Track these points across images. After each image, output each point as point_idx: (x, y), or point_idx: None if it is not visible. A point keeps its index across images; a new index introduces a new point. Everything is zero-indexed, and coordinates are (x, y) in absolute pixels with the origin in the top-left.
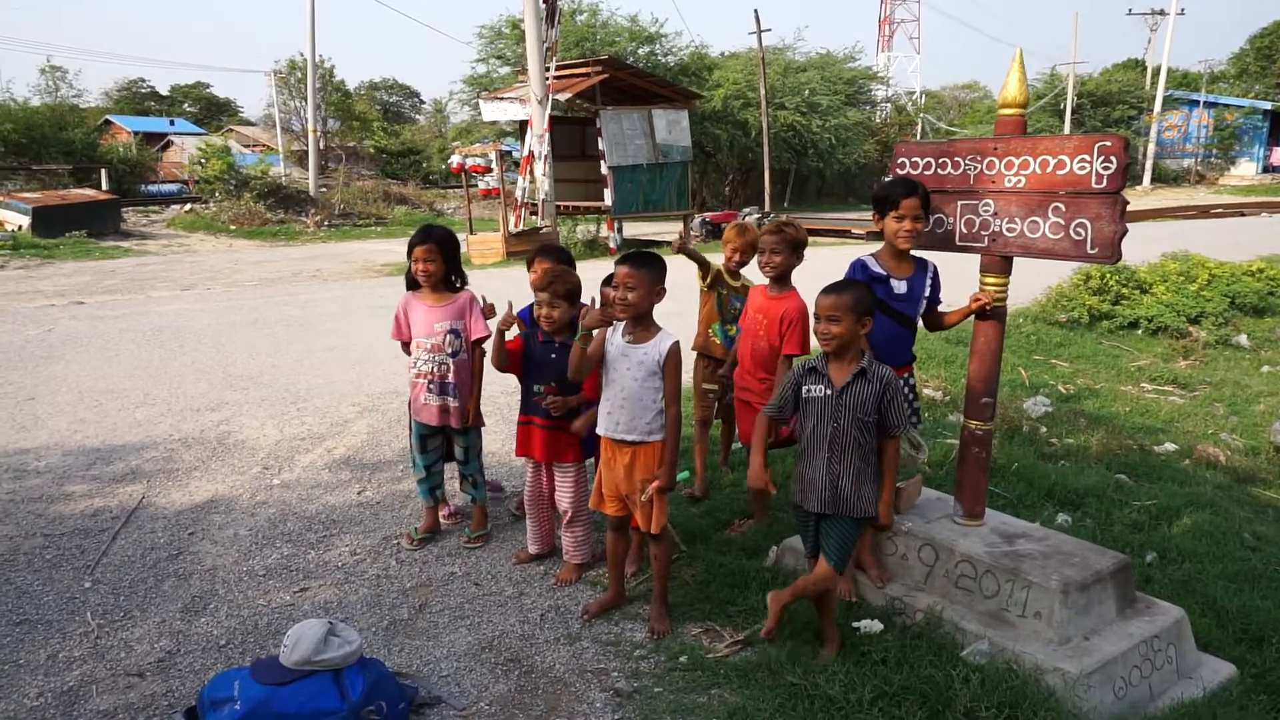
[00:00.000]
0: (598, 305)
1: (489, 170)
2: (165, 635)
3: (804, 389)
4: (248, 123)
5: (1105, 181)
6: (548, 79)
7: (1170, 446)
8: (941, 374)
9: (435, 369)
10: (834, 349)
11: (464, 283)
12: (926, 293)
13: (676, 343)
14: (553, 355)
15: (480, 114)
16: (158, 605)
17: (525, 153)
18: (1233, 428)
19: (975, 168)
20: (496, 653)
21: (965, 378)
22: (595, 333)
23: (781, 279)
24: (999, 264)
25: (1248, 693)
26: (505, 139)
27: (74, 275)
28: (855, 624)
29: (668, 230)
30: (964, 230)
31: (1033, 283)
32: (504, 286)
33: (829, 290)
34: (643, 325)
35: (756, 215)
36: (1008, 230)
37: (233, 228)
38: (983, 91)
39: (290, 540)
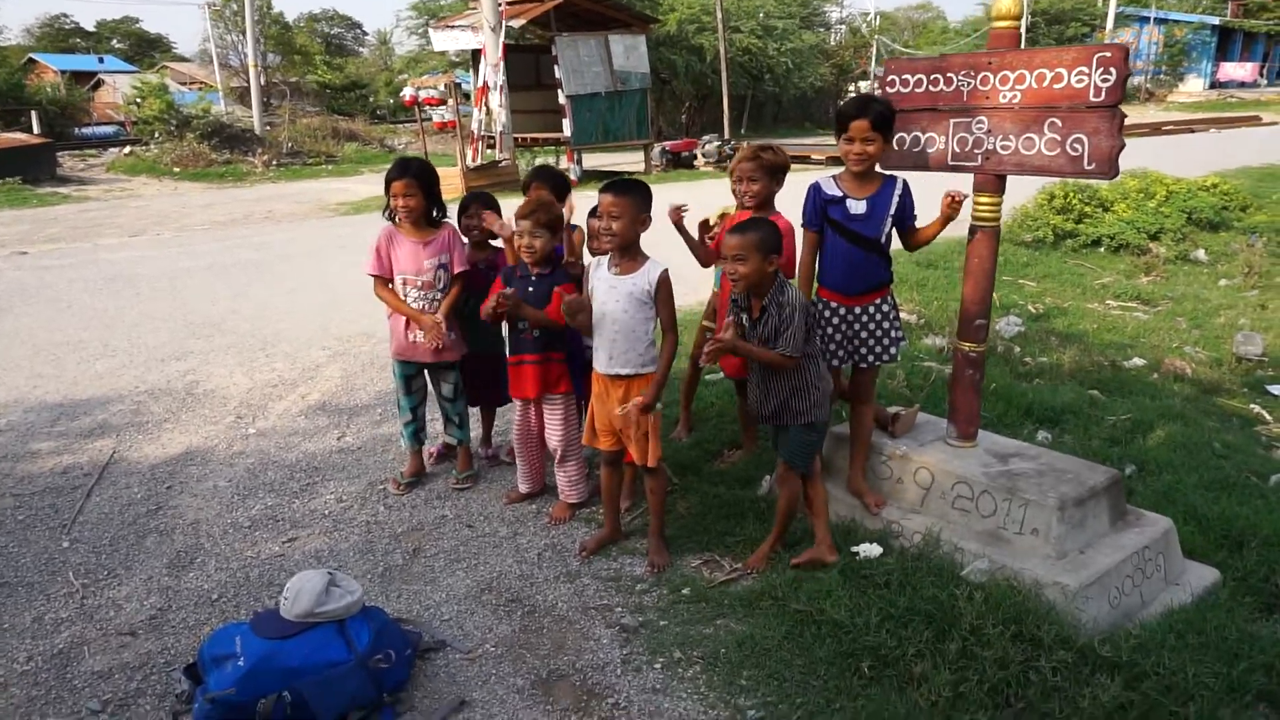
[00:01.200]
0: (585, 235)
1: (443, 102)
2: (154, 592)
3: (741, 316)
4: (183, 59)
5: (1104, 94)
6: (500, 5)
7: (1139, 361)
8: (915, 297)
9: (428, 305)
10: (742, 289)
11: (444, 215)
12: (892, 210)
13: (666, 270)
14: (530, 288)
15: (429, 44)
16: (142, 562)
17: (479, 83)
18: (1195, 340)
19: (969, 84)
20: (497, 594)
21: (960, 300)
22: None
23: (762, 208)
24: (993, 183)
25: (1232, 595)
26: (455, 70)
27: (12, 224)
28: (854, 548)
29: (628, 160)
30: (957, 149)
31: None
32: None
33: (734, 230)
34: (629, 255)
35: (716, 143)
36: (1002, 148)
37: (177, 170)
38: (935, 12)
39: (273, 490)
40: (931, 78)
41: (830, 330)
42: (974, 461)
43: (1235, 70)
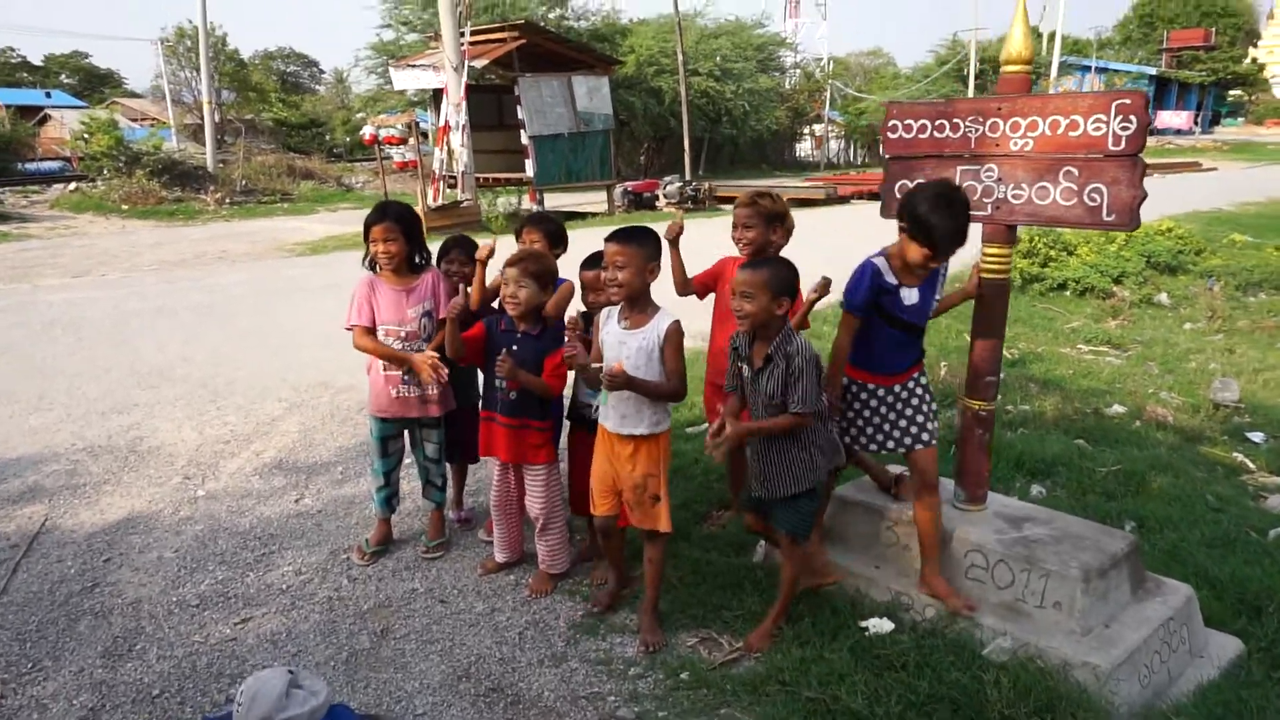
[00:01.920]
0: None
1: (404, 141)
2: (85, 688)
3: (740, 365)
4: (134, 95)
5: (1124, 143)
6: (463, 45)
7: (1119, 409)
8: None
9: None
10: (747, 328)
11: (427, 260)
12: (937, 297)
13: (676, 321)
14: (514, 346)
15: (388, 83)
16: (73, 651)
17: (441, 122)
18: (1170, 386)
19: (977, 130)
20: (475, 682)
21: (969, 356)
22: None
23: (759, 254)
24: (1003, 234)
25: (1259, 668)
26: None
27: None
28: (862, 623)
29: (590, 201)
30: None
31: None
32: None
33: (746, 265)
34: (639, 307)
35: (678, 184)
36: (1013, 197)
37: (125, 207)
38: (886, 58)
39: (224, 561)
40: (936, 123)
41: (867, 413)
42: (987, 528)
43: (1172, 118)
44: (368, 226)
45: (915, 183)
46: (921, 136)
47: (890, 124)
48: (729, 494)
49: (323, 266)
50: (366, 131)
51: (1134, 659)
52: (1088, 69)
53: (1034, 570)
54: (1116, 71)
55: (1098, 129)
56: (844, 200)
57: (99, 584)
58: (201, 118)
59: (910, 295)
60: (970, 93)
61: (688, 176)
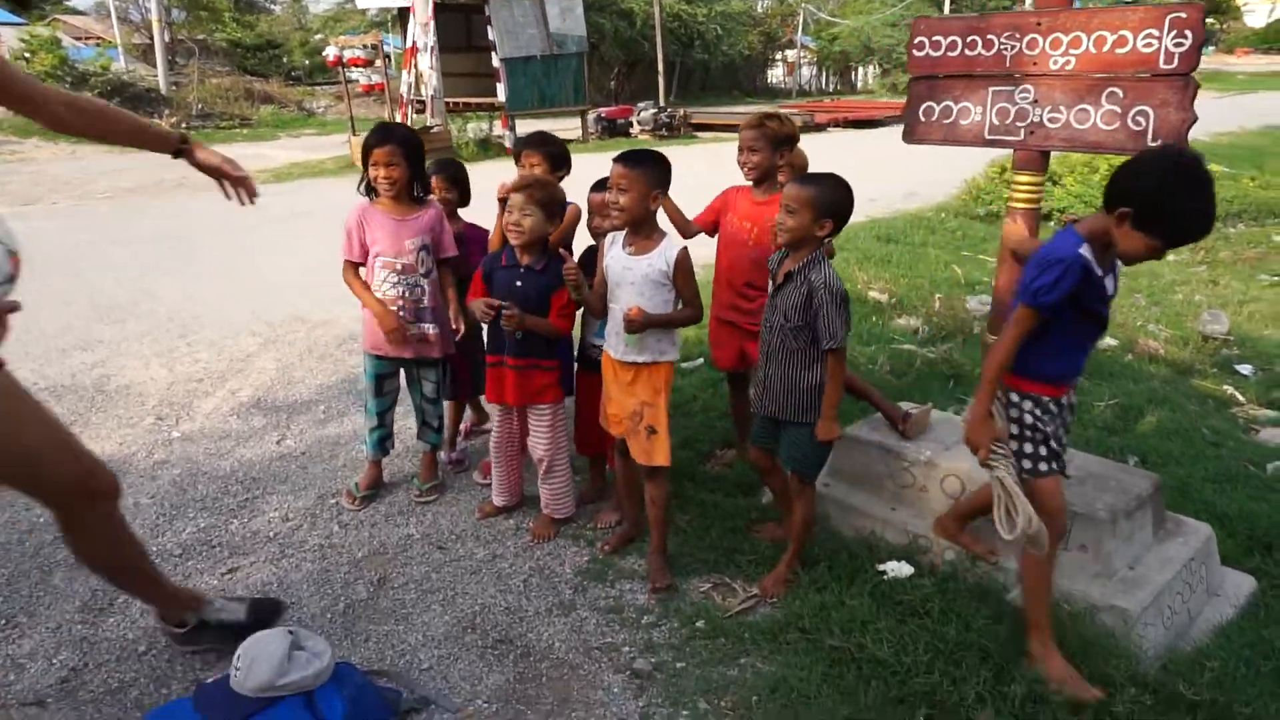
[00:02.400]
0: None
1: (370, 63)
2: (65, 645)
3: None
4: (77, 12)
5: (1176, 61)
6: None
7: (1111, 341)
8: (881, 275)
9: (408, 292)
10: (784, 242)
11: (427, 192)
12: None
13: (685, 248)
14: (518, 283)
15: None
16: (49, 606)
17: (408, 44)
18: (1157, 318)
19: (1012, 47)
20: (482, 633)
21: (993, 290)
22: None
23: (762, 182)
24: (1036, 160)
25: (1277, 605)
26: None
27: None
28: (880, 566)
29: (563, 127)
30: (995, 121)
31: (949, 178)
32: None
33: (799, 179)
34: (643, 233)
35: (653, 110)
36: (1049, 121)
37: None
38: None
39: (205, 507)
40: (968, 39)
41: (1058, 430)
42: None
43: None
44: (368, 149)
45: (943, 105)
46: (951, 54)
47: (917, 40)
48: (733, 433)
49: (289, 195)
50: (330, 53)
51: (1159, 601)
52: None
53: None
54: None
55: (1148, 45)
56: (821, 128)
57: None
58: (150, 37)
59: (1109, 283)
60: (946, 13)
61: (662, 103)
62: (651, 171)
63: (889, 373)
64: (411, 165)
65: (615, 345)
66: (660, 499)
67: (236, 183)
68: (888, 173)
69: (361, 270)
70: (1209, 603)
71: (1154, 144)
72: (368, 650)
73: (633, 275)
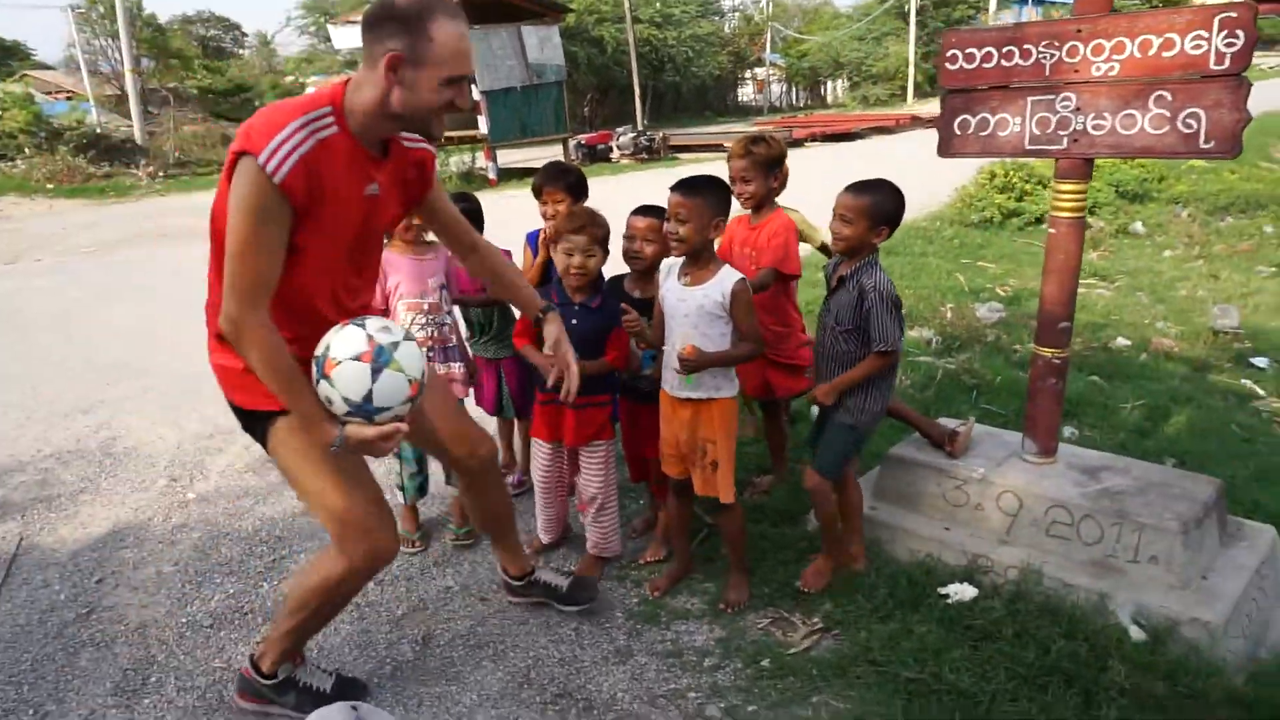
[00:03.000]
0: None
1: None
2: None
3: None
4: (45, 67)
5: (1228, 61)
6: None
7: (1124, 342)
8: None
9: (436, 331)
10: (841, 250)
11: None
12: None
13: (743, 278)
14: (574, 321)
15: (324, 42)
16: (79, 690)
17: None
18: (1165, 315)
19: (1051, 56)
20: (539, 688)
21: (1039, 301)
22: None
23: (760, 210)
24: (1080, 168)
25: None
26: (348, 69)
27: None
28: (942, 590)
29: (545, 156)
30: (1036, 131)
31: (939, 186)
32: None
33: (851, 188)
34: (700, 263)
35: (631, 134)
36: (1094, 128)
37: (50, 187)
38: None
39: (232, 572)
40: (1004, 50)
41: None
42: (1065, 481)
43: None
44: None
45: (979, 117)
46: (986, 66)
47: (950, 54)
48: (771, 459)
49: None
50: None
51: (1238, 610)
52: (1025, 2)
53: (1125, 524)
54: (1053, 4)
55: (1197, 47)
56: (799, 143)
57: (95, 609)
58: (121, 88)
59: None
60: (912, 31)
61: (639, 126)
62: (711, 199)
63: (910, 386)
64: None
65: (671, 381)
66: (733, 529)
67: (561, 368)
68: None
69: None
70: (1278, 607)
71: (1207, 145)
72: (422, 716)
73: (687, 307)
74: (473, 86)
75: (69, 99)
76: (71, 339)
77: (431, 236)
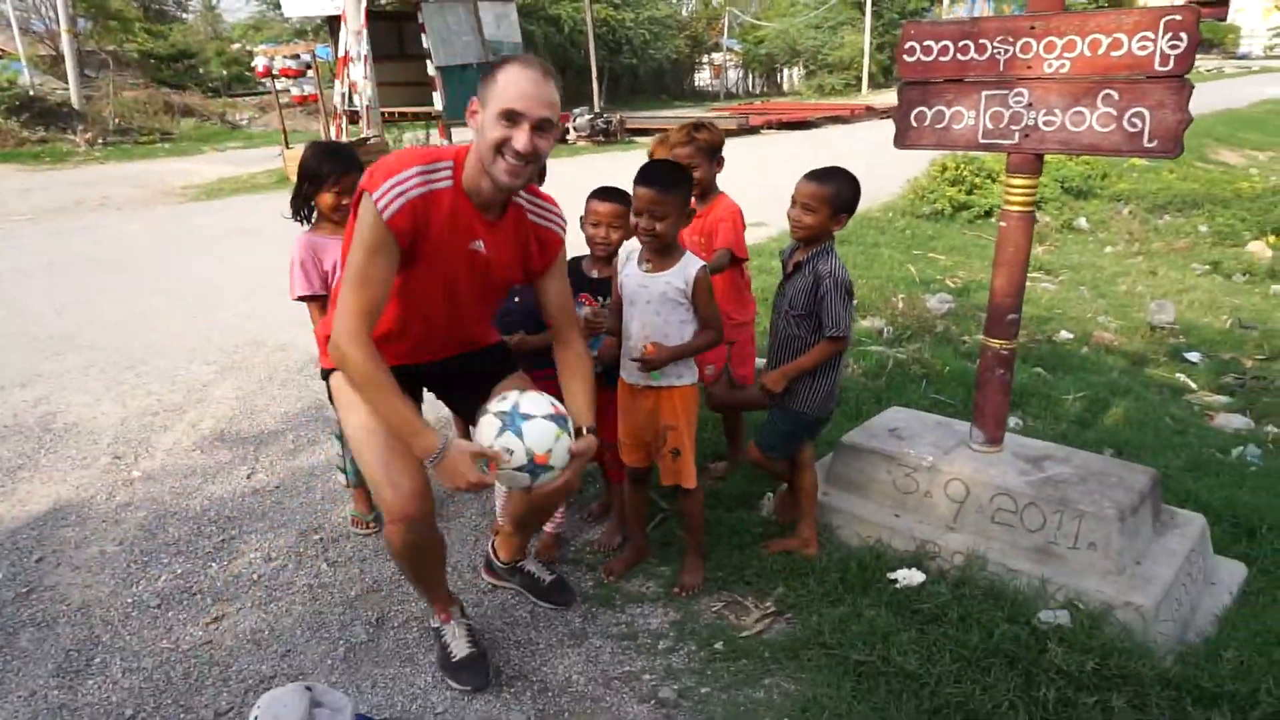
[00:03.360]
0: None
1: (302, 73)
2: (43, 714)
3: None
4: None
5: (1172, 63)
6: None
7: (1067, 335)
8: None
9: None
10: (803, 237)
11: None
12: None
13: (704, 267)
14: (515, 299)
15: (274, 8)
16: (19, 671)
17: (341, 53)
18: (1105, 310)
19: (1006, 51)
20: (494, 670)
21: (989, 293)
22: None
23: (705, 195)
24: (1031, 163)
25: (1268, 592)
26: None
27: None
28: (891, 575)
29: None
30: (989, 125)
31: (891, 177)
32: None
33: (812, 176)
34: (664, 251)
35: (588, 116)
36: (1044, 124)
37: None
38: None
39: (179, 552)
40: (960, 44)
41: None
42: (1009, 469)
43: None
44: (326, 175)
45: (935, 110)
46: (943, 59)
47: (907, 45)
48: (727, 446)
49: (224, 212)
50: (259, 63)
51: (1169, 595)
52: None
53: (1067, 511)
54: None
55: (1143, 48)
56: (755, 130)
57: (35, 588)
58: (56, 49)
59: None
60: (868, 21)
61: (596, 108)
62: (685, 192)
63: (861, 375)
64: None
65: (631, 370)
66: (694, 511)
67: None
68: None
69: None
70: (1207, 592)
71: (1150, 145)
72: (376, 697)
73: (648, 294)
74: (427, 62)
75: None
76: (10, 309)
77: None
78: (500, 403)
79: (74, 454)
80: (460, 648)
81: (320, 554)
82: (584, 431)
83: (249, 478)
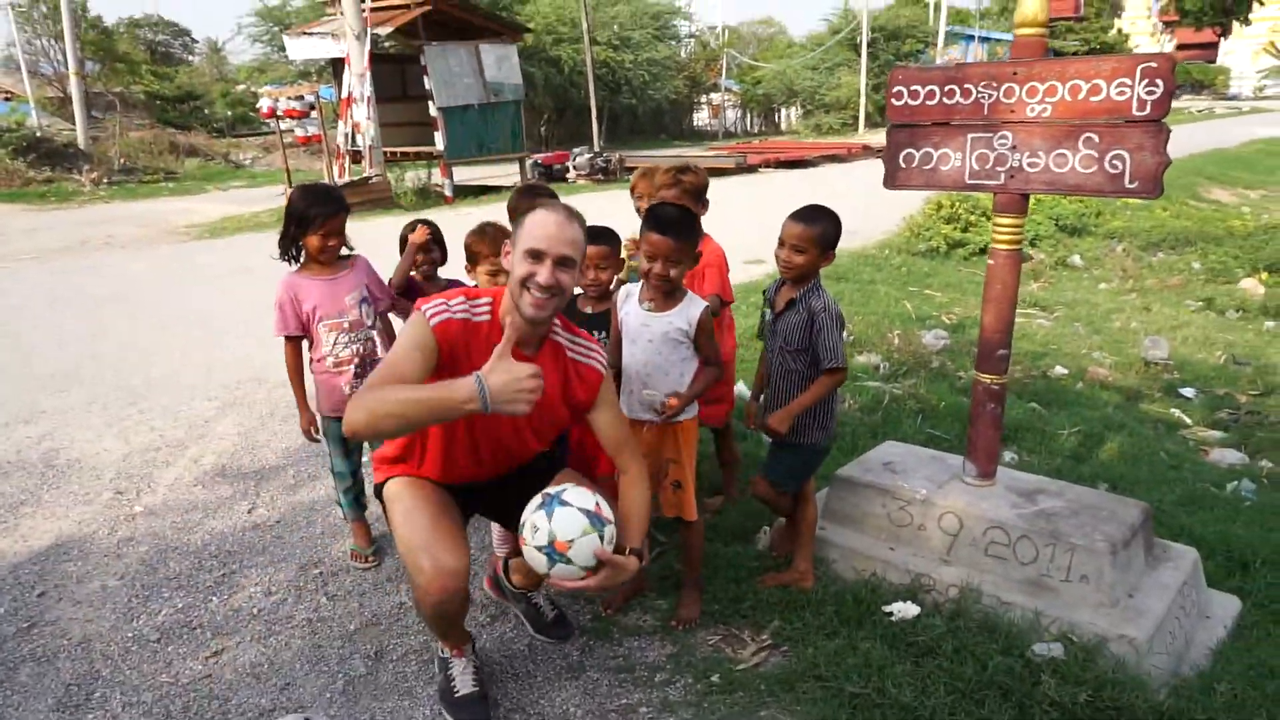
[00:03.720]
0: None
1: (306, 114)
2: None
3: (765, 309)
4: None
5: (1149, 108)
6: (365, 11)
7: (1061, 370)
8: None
9: (361, 348)
10: (794, 277)
11: (349, 247)
12: None
13: (706, 308)
14: None
15: (278, 51)
16: (19, 707)
17: (344, 94)
18: (1100, 345)
19: (990, 96)
20: (492, 703)
21: (979, 329)
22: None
23: None
24: (1016, 203)
25: (1263, 626)
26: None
27: None
28: (887, 608)
29: (501, 174)
30: (975, 167)
31: (887, 215)
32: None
33: (798, 217)
34: (668, 293)
35: (588, 155)
36: (1029, 165)
37: None
38: (779, 27)
39: (180, 586)
40: (946, 89)
41: None
42: (1002, 503)
43: None
44: (314, 217)
45: (923, 152)
46: (929, 103)
47: (895, 90)
48: (722, 480)
49: (227, 250)
50: (264, 104)
51: (1162, 628)
52: (972, 38)
53: (1059, 545)
54: (998, 41)
55: (1121, 94)
56: (753, 169)
57: (36, 623)
58: (64, 90)
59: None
60: (864, 62)
61: (596, 147)
62: (698, 237)
63: (858, 410)
64: (344, 226)
65: (630, 405)
66: (695, 544)
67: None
68: None
69: (305, 345)
70: (1201, 625)
71: (1131, 185)
72: None
73: (650, 333)
74: (430, 103)
75: (8, 99)
76: (14, 346)
77: (346, 252)
78: (553, 486)
79: (76, 489)
80: (465, 684)
81: (320, 588)
82: (626, 552)
83: (250, 512)
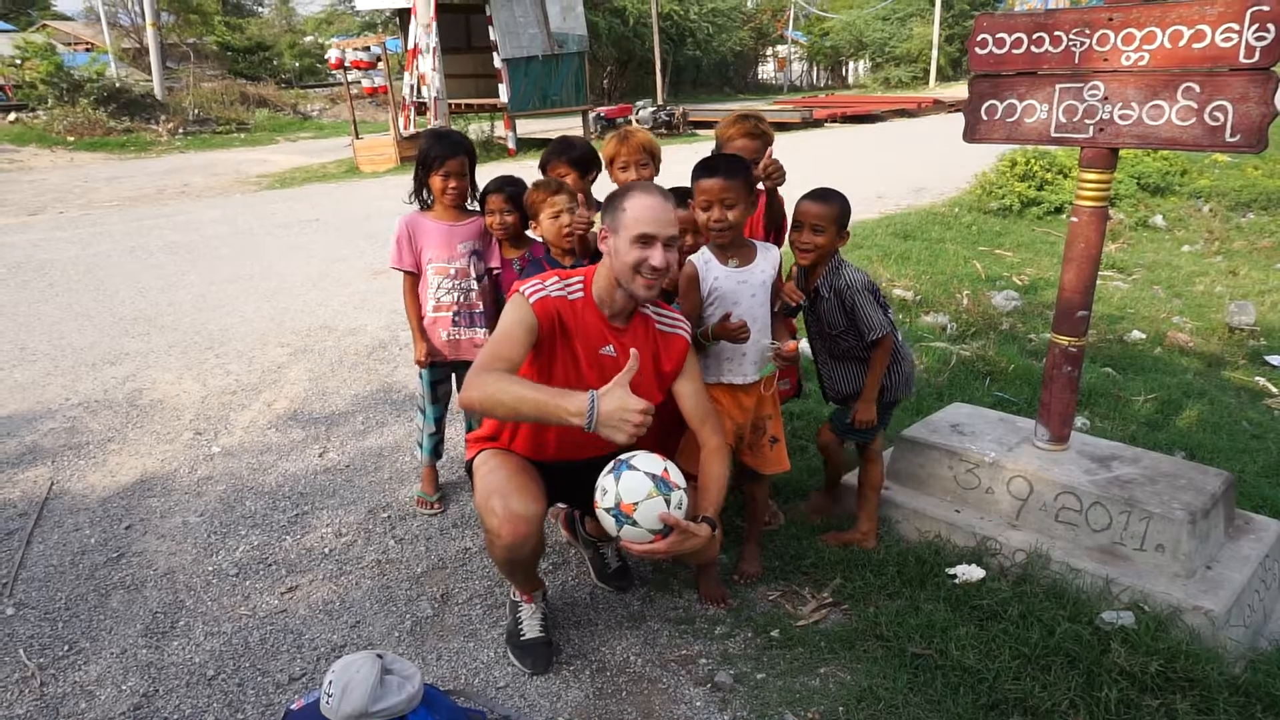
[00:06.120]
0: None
1: (373, 65)
2: (133, 671)
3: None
4: (63, 17)
5: (1257, 55)
6: None
7: (1139, 335)
8: (905, 272)
9: (463, 297)
10: (811, 260)
11: (475, 200)
12: None
13: (782, 251)
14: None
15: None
16: (111, 630)
17: (410, 45)
18: (1181, 310)
19: (1081, 44)
20: (555, 649)
21: (1058, 289)
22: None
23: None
24: (1105, 157)
25: None
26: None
27: None
28: (950, 570)
29: (563, 127)
30: (1063, 119)
31: (958, 172)
32: (403, 197)
33: (813, 198)
34: (738, 242)
35: (651, 109)
36: (1120, 118)
37: (70, 139)
38: None
39: (256, 524)
40: (1034, 37)
41: None
42: (1075, 468)
43: None
44: (436, 157)
45: (1006, 103)
46: (1015, 52)
47: (979, 38)
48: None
49: (297, 200)
50: (332, 55)
51: (1240, 601)
52: None
53: (1134, 512)
54: None
55: (1227, 40)
56: (819, 124)
57: (124, 554)
58: (140, 42)
59: None
60: (937, 11)
61: (659, 101)
62: (750, 179)
63: (924, 371)
64: (472, 174)
65: (746, 369)
66: (762, 498)
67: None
68: (893, 168)
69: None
70: (1279, 600)
71: (1233, 139)
72: (441, 669)
73: (751, 287)
74: (494, 54)
75: (88, 51)
76: (98, 291)
77: (473, 205)
78: (627, 452)
79: (159, 429)
80: (532, 629)
81: (388, 531)
82: (698, 520)
83: (321, 456)
